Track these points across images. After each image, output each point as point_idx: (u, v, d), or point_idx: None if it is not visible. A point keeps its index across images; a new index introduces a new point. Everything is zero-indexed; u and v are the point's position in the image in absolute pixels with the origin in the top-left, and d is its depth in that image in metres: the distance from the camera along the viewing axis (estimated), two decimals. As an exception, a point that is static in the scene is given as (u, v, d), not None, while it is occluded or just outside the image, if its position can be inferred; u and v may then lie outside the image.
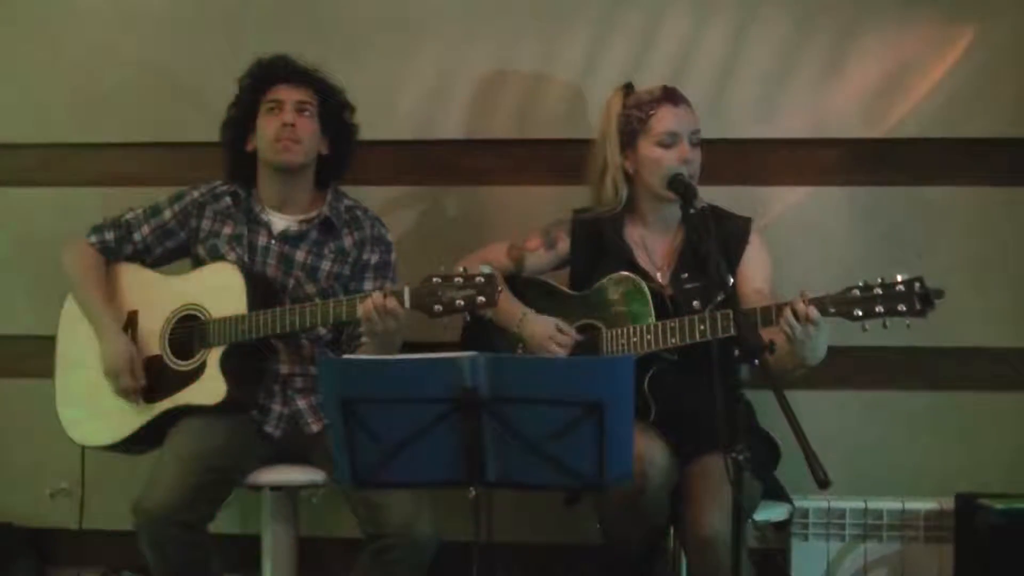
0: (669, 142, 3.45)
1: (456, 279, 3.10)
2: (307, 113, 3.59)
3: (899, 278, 3.10)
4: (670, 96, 3.49)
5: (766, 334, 3.01)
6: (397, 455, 2.76)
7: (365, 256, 3.64)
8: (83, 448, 3.65)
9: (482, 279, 3.09)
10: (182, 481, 3.32)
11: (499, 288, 3.10)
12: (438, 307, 3.11)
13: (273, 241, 3.63)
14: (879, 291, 3.10)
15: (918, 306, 3.08)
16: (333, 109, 3.65)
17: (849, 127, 4.01)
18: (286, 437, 3.58)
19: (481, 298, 3.09)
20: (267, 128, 3.57)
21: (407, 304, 3.18)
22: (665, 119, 3.46)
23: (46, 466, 4.06)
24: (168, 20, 4.17)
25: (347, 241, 3.64)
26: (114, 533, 3.95)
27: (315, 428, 3.57)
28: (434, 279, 3.12)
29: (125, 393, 3.53)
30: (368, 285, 3.61)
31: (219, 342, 3.48)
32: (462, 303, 3.09)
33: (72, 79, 4.20)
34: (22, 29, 4.23)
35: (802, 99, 4.01)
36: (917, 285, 3.08)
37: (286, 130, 3.55)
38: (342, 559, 3.58)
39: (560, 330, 3.46)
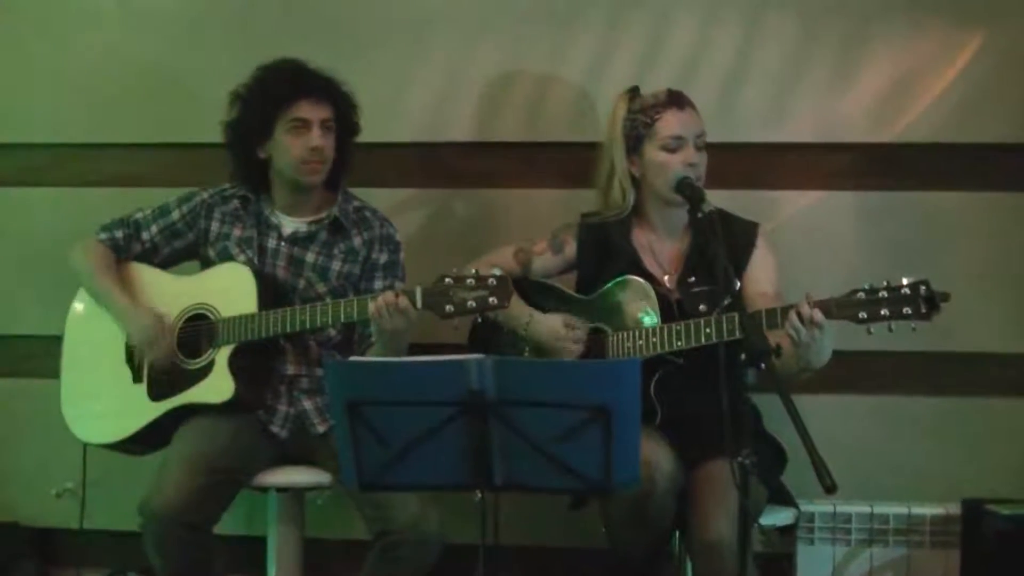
0: (674, 146, 3.45)
1: (468, 280, 3.12)
2: (329, 129, 3.58)
3: (904, 281, 3.09)
4: (675, 100, 3.49)
5: (771, 337, 3.00)
6: (403, 458, 2.76)
7: (374, 256, 3.64)
8: (85, 447, 3.65)
9: (494, 281, 3.11)
10: (188, 482, 3.32)
11: (511, 290, 3.12)
12: (449, 307, 3.12)
13: (283, 243, 3.63)
14: (884, 294, 3.09)
15: (923, 309, 3.07)
16: (347, 117, 3.64)
17: (858, 132, 4.00)
18: (292, 438, 3.58)
19: (493, 299, 3.11)
20: (293, 148, 3.53)
21: (419, 304, 3.19)
22: (670, 123, 3.46)
23: (51, 466, 4.06)
24: (176, 21, 4.17)
25: (356, 241, 3.64)
26: (118, 534, 3.96)
27: (321, 429, 3.57)
28: (446, 280, 3.14)
29: (162, 360, 3.52)
30: (378, 284, 3.61)
31: (228, 341, 3.48)
32: (474, 304, 3.11)
33: (79, 80, 4.21)
34: (29, 30, 4.23)
35: (811, 103, 4.01)
36: (923, 288, 3.07)
37: (315, 153, 3.54)
38: (347, 561, 3.58)
39: (569, 326, 3.45)
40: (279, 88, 3.55)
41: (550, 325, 3.49)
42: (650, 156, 3.48)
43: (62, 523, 4.10)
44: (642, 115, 3.49)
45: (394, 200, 4.04)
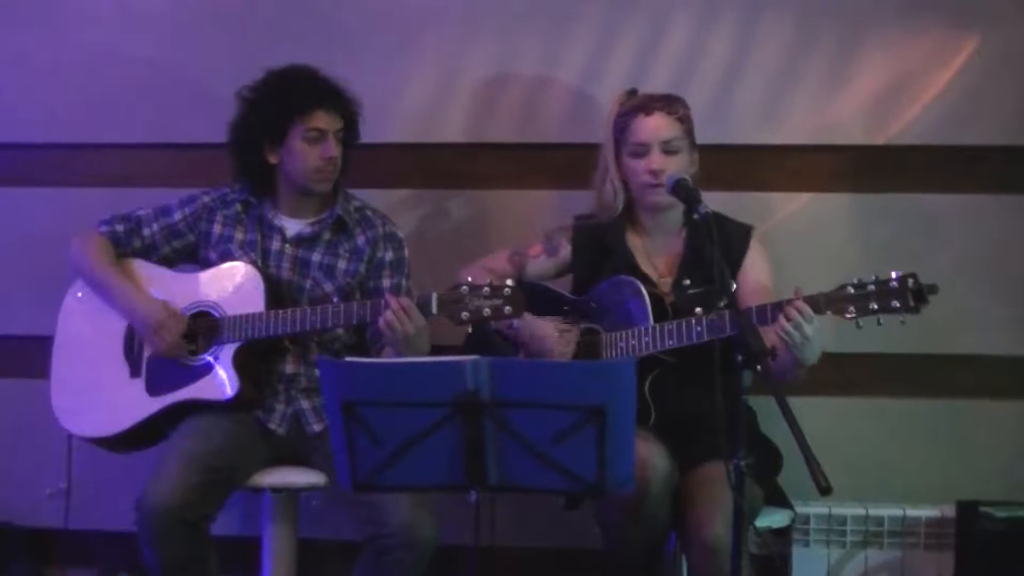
0: (640, 152, 3.47)
1: (484, 289, 3.19)
2: (340, 140, 3.60)
3: (893, 275, 3.10)
4: (643, 106, 3.50)
5: (764, 337, 3.00)
6: (397, 458, 2.76)
7: (379, 254, 3.66)
8: (69, 439, 3.62)
9: (509, 290, 3.18)
10: (186, 479, 3.31)
11: (524, 300, 3.19)
12: (465, 314, 3.20)
13: (287, 245, 3.64)
14: (873, 288, 3.11)
15: (912, 302, 3.08)
16: (353, 128, 3.66)
17: (852, 134, 4.01)
18: (289, 437, 3.58)
19: (508, 308, 3.18)
20: (308, 156, 3.55)
21: (434, 310, 3.24)
22: (636, 130, 3.48)
23: (44, 466, 4.04)
24: (171, 20, 4.16)
25: (360, 240, 3.66)
26: (111, 534, 3.95)
27: (317, 428, 3.57)
28: (462, 287, 3.20)
29: (170, 347, 3.51)
30: (386, 282, 3.64)
31: (233, 339, 3.48)
32: (489, 312, 3.18)
33: (75, 79, 4.20)
34: (26, 29, 4.22)
35: (805, 105, 4.01)
36: (911, 281, 3.09)
37: (330, 163, 3.57)
38: (342, 561, 3.57)
39: (560, 332, 3.45)
40: (297, 96, 3.56)
41: (541, 330, 3.48)
42: (624, 160, 3.51)
43: (55, 524, 4.08)
44: (621, 119, 3.51)
45: (388, 201, 4.04)
